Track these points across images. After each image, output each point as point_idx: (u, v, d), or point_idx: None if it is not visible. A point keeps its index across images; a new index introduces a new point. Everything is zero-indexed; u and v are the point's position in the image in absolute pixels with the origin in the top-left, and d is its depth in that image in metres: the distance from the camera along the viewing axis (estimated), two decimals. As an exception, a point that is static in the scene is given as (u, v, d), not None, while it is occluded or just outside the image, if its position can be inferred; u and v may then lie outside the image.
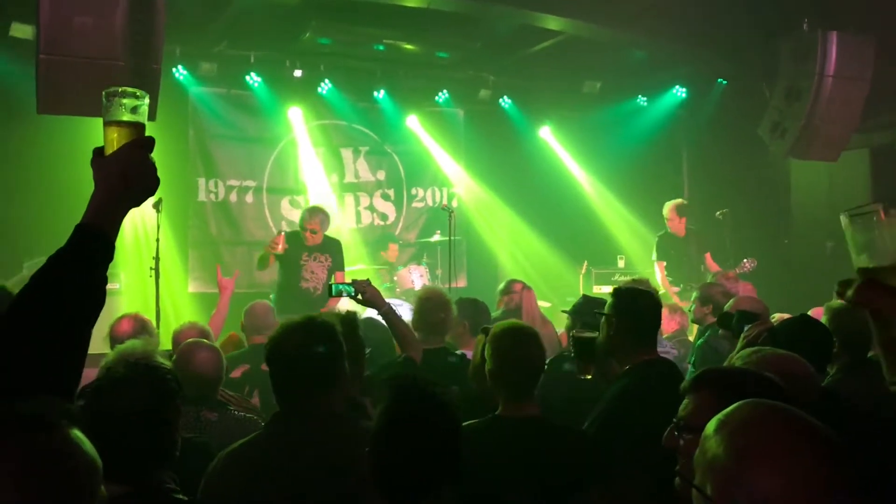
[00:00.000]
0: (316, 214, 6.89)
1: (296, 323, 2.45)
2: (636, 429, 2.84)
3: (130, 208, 1.48)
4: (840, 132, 7.48)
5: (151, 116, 5.60)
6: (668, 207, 8.29)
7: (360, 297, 3.90)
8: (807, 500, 1.18)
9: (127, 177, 1.46)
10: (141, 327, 4.12)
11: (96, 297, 1.40)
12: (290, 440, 2.34)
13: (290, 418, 2.39)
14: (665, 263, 8.22)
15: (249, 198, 9.40)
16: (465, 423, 2.68)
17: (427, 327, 4.22)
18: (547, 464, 2.65)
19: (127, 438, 1.95)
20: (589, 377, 3.38)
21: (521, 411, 2.76)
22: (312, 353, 2.36)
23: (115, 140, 1.48)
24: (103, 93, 1.48)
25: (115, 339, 3.93)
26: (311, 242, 6.83)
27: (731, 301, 4.50)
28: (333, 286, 4.10)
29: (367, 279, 4.13)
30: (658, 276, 8.13)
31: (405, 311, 6.88)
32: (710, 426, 1.31)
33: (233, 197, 9.31)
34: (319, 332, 2.41)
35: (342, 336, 2.47)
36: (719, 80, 9.55)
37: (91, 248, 1.41)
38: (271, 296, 6.92)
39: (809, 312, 5.06)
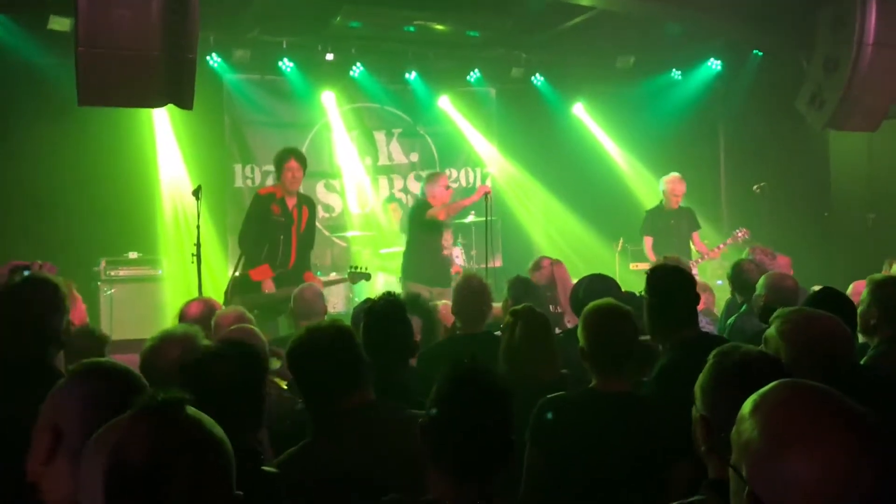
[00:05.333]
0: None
1: (320, 329, 2.57)
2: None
3: None
4: (880, 101, 7.30)
5: (188, 105, 5.70)
6: (671, 181, 8.22)
7: None
8: (839, 485, 1.17)
9: None
10: (209, 311, 4.22)
11: None
12: (345, 435, 2.44)
13: (336, 417, 2.48)
14: (653, 239, 8.19)
15: (285, 182, 9.49)
16: (560, 394, 2.83)
17: (465, 315, 4.27)
18: (637, 438, 2.72)
19: (225, 406, 2.09)
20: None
21: (613, 387, 2.84)
22: (340, 356, 2.49)
23: None
24: None
25: (183, 321, 4.03)
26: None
27: (762, 279, 4.45)
28: None
29: None
30: (646, 251, 8.14)
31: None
32: (747, 407, 1.30)
33: (268, 182, 9.40)
34: (342, 335, 2.55)
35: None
36: (755, 51, 9.39)
37: None
38: (402, 263, 7.37)
39: (851, 285, 5.03)
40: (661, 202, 8.34)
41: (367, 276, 7.06)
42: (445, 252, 7.20)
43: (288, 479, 2.34)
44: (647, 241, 8.22)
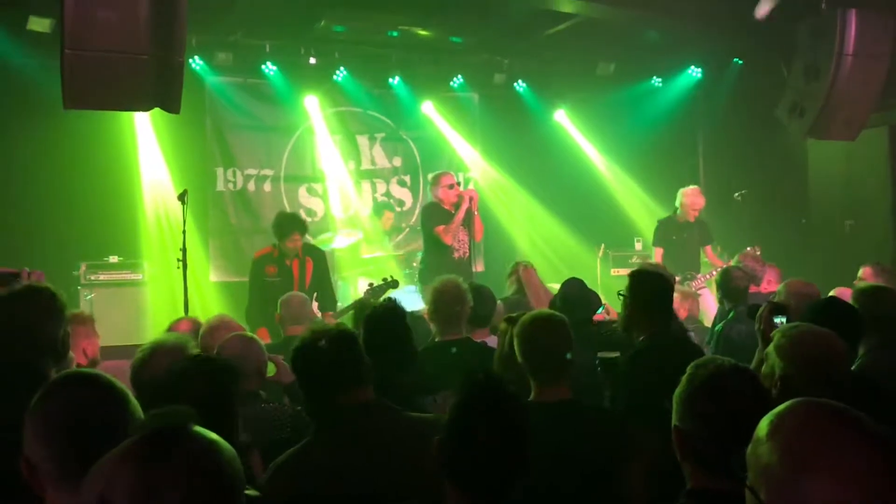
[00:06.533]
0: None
1: (323, 329, 2.60)
2: (649, 389, 2.89)
3: None
4: (860, 111, 7.42)
5: (175, 109, 5.63)
6: (691, 194, 8.04)
7: None
8: None
9: None
10: (197, 329, 4.15)
11: None
12: (348, 435, 2.43)
13: (337, 414, 2.48)
14: (663, 250, 8.03)
15: (267, 186, 9.44)
16: None
17: (444, 319, 4.19)
18: (582, 445, 2.74)
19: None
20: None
21: (553, 395, 2.86)
22: (341, 353, 2.50)
23: None
24: None
25: None
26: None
27: (781, 286, 4.47)
28: None
29: None
30: (655, 262, 8.06)
31: (419, 300, 6.96)
32: (763, 428, 1.27)
33: (251, 186, 9.36)
34: (344, 334, 2.57)
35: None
36: (735, 59, 9.50)
37: None
38: (420, 267, 7.37)
39: (833, 292, 5.08)
40: (675, 212, 8.12)
41: (394, 284, 6.66)
42: (457, 254, 7.06)
43: (287, 480, 2.34)
44: (658, 252, 8.03)
